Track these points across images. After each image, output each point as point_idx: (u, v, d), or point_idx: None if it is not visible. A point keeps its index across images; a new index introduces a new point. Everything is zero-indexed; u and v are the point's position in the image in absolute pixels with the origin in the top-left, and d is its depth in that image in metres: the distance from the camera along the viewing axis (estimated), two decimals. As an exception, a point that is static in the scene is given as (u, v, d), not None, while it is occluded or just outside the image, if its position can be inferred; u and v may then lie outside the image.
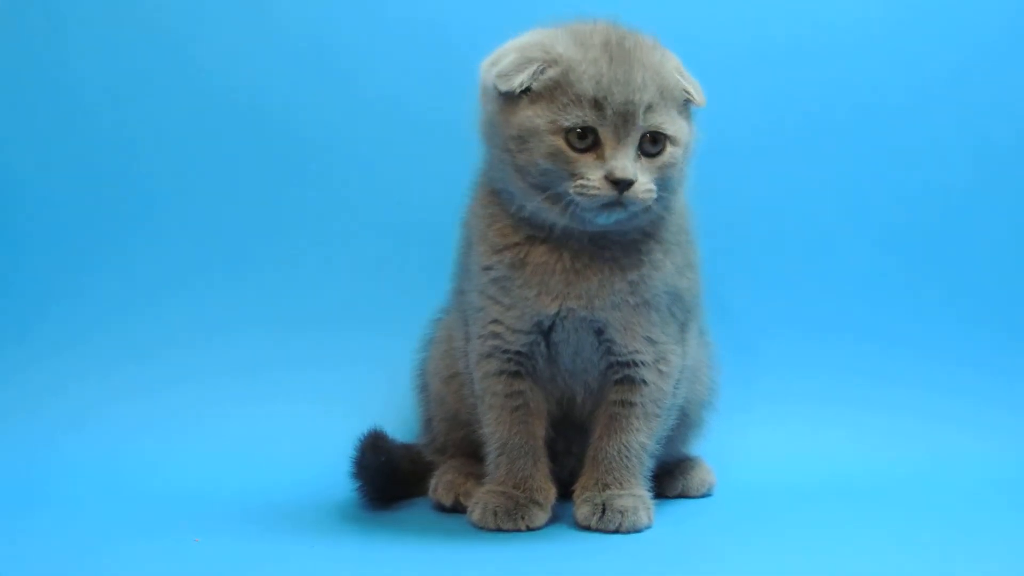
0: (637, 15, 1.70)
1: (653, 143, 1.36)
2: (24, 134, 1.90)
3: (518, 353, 1.45)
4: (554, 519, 1.47)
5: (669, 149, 1.37)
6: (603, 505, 1.44)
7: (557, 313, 1.42)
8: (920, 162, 1.94)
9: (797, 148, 1.93)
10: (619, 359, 1.45)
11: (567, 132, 1.33)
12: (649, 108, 1.34)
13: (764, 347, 1.90)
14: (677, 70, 1.40)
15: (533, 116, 1.34)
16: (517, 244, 1.42)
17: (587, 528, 1.44)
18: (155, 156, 1.90)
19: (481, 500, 1.46)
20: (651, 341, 1.45)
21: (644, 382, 1.46)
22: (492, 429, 1.48)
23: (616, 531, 1.43)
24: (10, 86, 1.90)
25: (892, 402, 1.88)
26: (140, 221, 1.90)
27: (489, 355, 1.47)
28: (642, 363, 1.45)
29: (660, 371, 1.46)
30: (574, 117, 1.33)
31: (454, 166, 1.55)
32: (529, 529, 1.44)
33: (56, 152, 1.90)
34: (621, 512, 1.43)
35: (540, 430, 1.48)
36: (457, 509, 1.53)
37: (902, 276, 1.94)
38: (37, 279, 1.89)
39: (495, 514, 1.43)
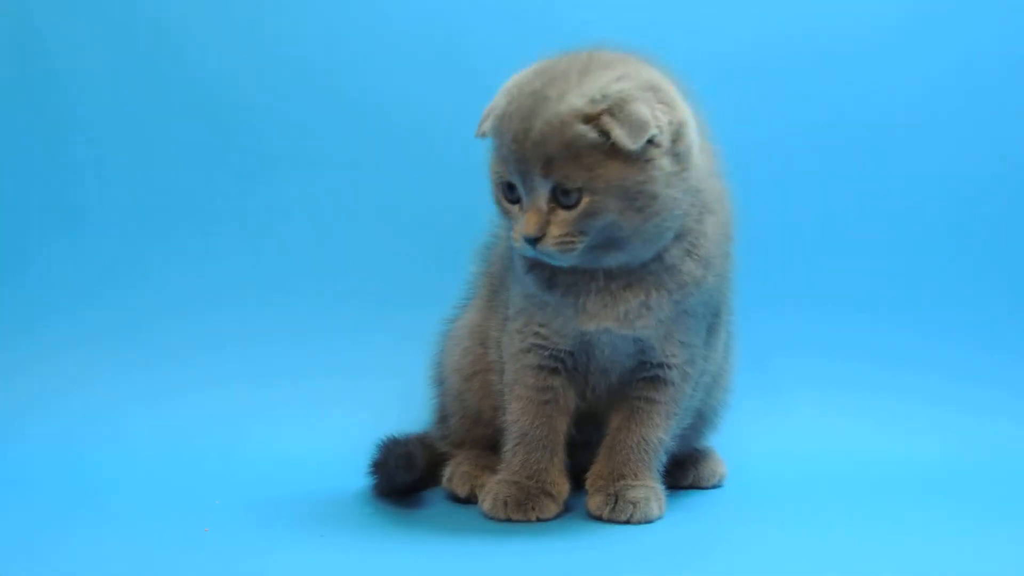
0: (652, 24, 1.71)
1: (565, 195, 1.30)
2: (8, 123, 1.88)
3: (560, 350, 1.45)
4: (564, 511, 1.47)
5: (587, 198, 1.29)
6: (615, 495, 1.44)
7: (596, 331, 1.41)
8: (935, 148, 1.93)
9: (808, 137, 1.92)
10: (653, 361, 1.45)
11: (497, 185, 1.36)
12: (548, 163, 1.29)
13: (776, 336, 1.89)
14: (584, 116, 1.28)
15: (491, 161, 1.37)
16: (542, 263, 1.40)
17: (598, 518, 1.44)
18: (164, 154, 1.89)
19: (492, 490, 1.46)
20: (685, 345, 1.45)
21: (671, 383, 1.46)
22: (515, 418, 1.47)
23: (627, 522, 1.43)
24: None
25: (905, 390, 1.87)
26: (152, 222, 1.90)
27: (528, 350, 1.46)
28: (673, 365, 1.45)
29: (686, 372, 1.46)
30: (498, 170, 1.35)
31: (465, 161, 1.55)
32: (539, 520, 1.44)
33: (29, 138, 1.88)
34: (633, 503, 1.43)
35: (563, 426, 1.48)
36: (472, 500, 1.53)
37: (918, 262, 1.93)
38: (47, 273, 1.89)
39: (506, 504, 1.44)
